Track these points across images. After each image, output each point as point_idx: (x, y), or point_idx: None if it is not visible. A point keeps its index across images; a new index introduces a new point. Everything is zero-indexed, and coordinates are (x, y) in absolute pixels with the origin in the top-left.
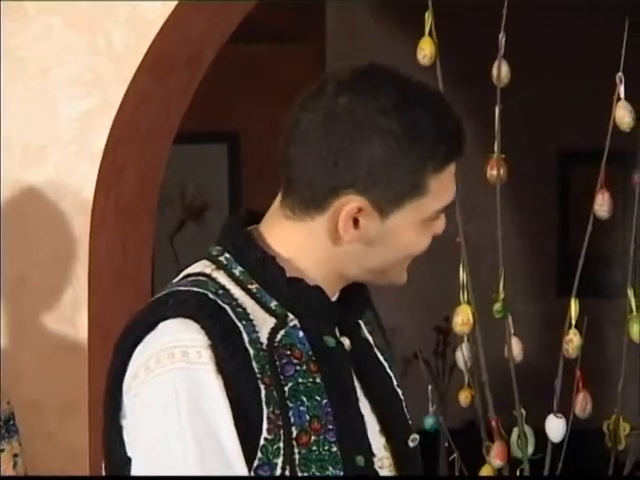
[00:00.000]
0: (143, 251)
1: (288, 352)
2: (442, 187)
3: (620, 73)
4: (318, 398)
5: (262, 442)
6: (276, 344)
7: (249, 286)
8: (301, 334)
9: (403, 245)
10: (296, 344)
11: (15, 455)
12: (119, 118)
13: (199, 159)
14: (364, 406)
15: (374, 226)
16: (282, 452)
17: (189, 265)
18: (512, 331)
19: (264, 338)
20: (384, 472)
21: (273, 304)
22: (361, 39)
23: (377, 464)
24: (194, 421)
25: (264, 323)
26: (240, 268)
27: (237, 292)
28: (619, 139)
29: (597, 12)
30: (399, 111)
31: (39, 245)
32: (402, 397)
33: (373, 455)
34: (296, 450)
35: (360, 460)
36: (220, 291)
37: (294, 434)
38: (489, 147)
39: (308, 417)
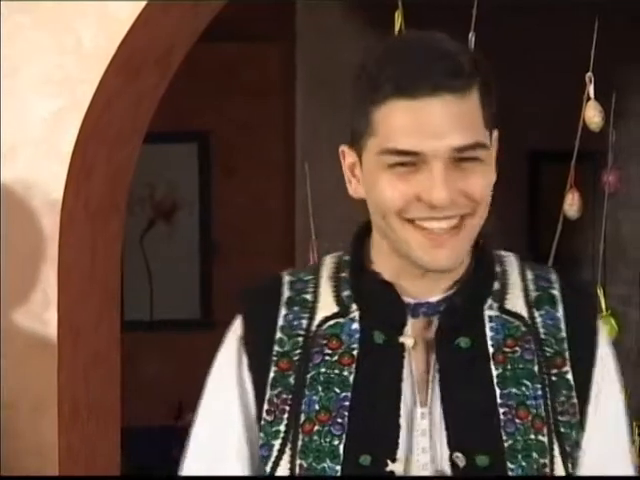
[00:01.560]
0: (112, 251)
1: (324, 341)
2: (391, 126)
3: (590, 73)
4: (337, 390)
5: (262, 422)
6: (317, 332)
7: (341, 274)
8: (354, 326)
9: (377, 197)
10: (340, 335)
11: None
12: (88, 118)
13: (169, 158)
14: (432, 409)
15: (362, 178)
16: (281, 435)
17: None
18: None
19: (309, 325)
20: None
21: (345, 294)
22: (331, 38)
23: (410, 467)
24: (215, 381)
25: (323, 311)
26: (346, 257)
27: (324, 279)
28: (589, 139)
29: (566, 11)
30: (368, 61)
31: (9, 244)
32: (504, 416)
33: (391, 459)
34: (300, 437)
35: (365, 460)
36: (305, 277)
37: (301, 421)
38: None
39: (317, 407)
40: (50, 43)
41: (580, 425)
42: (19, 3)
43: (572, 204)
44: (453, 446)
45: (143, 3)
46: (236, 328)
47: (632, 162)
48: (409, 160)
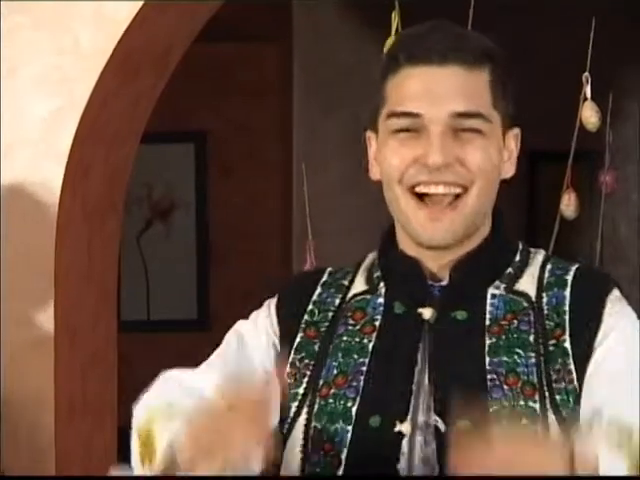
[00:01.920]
0: (109, 250)
1: (349, 314)
2: (400, 91)
3: (587, 73)
4: (355, 356)
5: None
6: (345, 306)
7: (375, 261)
8: (380, 300)
9: (384, 166)
10: (366, 308)
11: None
12: (86, 118)
13: (166, 159)
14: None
15: (377, 155)
16: (299, 398)
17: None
18: None
19: (341, 303)
20: (419, 443)
21: (376, 274)
22: (328, 38)
23: (415, 432)
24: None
25: (354, 290)
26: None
27: (362, 268)
28: (586, 139)
29: (563, 11)
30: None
31: (6, 244)
32: (491, 383)
33: (401, 420)
34: (317, 400)
35: (375, 421)
36: (347, 269)
37: (319, 385)
38: None
39: (335, 372)
40: (48, 43)
41: (578, 392)
42: (17, 3)
43: (569, 204)
44: (437, 411)
45: (140, 3)
46: (270, 301)
47: (629, 162)
48: (411, 125)
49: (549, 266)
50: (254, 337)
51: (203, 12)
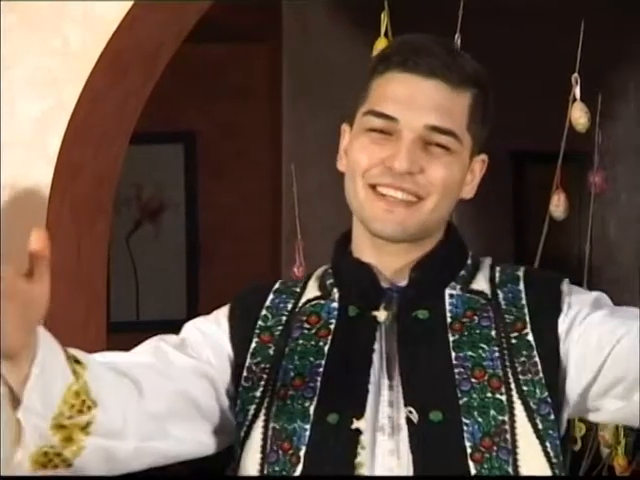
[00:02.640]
0: (98, 251)
1: (304, 318)
2: (382, 92)
3: (576, 74)
4: (312, 359)
5: (240, 388)
6: (299, 311)
7: (328, 270)
8: (334, 305)
9: (351, 157)
10: (320, 313)
11: None
12: (75, 118)
13: (155, 159)
14: (396, 379)
15: (348, 146)
16: (256, 401)
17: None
18: None
19: (293, 308)
20: (382, 439)
21: (329, 282)
22: (318, 39)
23: (372, 428)
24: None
25: (306, 296)
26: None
27: (314, 276)
28: (575, 140)
29: (552, 12)
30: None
31: None
32: (459, 376)
33: (357, 417)
34: (275, 402)
35: (333, 418)
36: (297, 281)
37: (277, 388)
38: None
39: (292, 374)
40: (36, 44)
41: (545, 384)
42: (5, 3)
43: (558, 205)
44: (408, 403)
45: (129, 3)
46: (224, 309)
47: (618, 163)
48: (386, 127)
49: (498, 268)
50: (203, 333)
51: (192, 12)
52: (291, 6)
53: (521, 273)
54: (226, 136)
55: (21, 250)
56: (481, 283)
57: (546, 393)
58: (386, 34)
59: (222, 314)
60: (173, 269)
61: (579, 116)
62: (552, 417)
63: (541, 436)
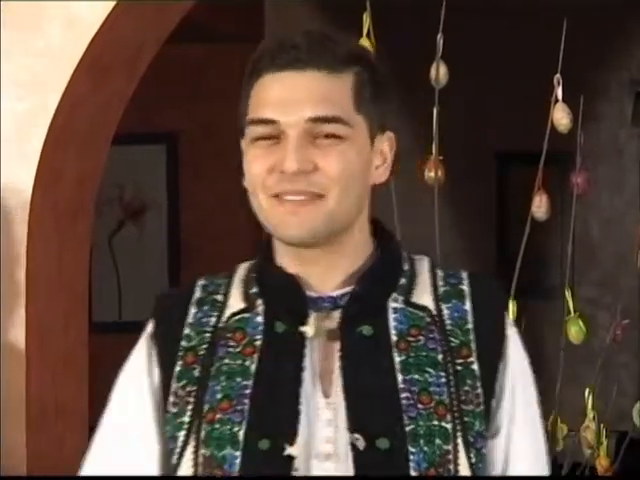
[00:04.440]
0: (80, 252)
1: (229, 335)
2: (258, 98)
3: (558, 75)
4: (239, 379)
5: (168, 414)
6: (223, 327)
7: (251, 275)
8: (259, 319)
9: (247, 174)
10: (246, 328)
11: None
12: (56, 119)
13: (137, 160)
14: (337, 399)
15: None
16: (185, 427)
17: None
18: None
19: (217, 322)
20: (320, 465)
21: (253, 291)
22: None
23: (310, 454)
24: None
25: (231, 308)
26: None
27: (236, 281)
28: (557, 141)
29: (535, 13)
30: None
31: None
32: (406, 401)
33: (290, 443)
34: (203, 427)
35: (264, 444)
36: (218, 280)
37: (204, 411)
38: (427, 148)
39: (219, 396)
40: (18, 45)
41: (484, 416)
42: None
43: (540, 206)
44: (353, 429)
45: (110, 5)
46: (148, 327)
47: (600, 164)
48: (270, 132)
49: (439, 273)
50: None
51: (174, 13)
52: (273, 6)
53: (466, 287)
54: (208, 136)
55: (3, 252)
56: (423, 296)
57: (484, 426)
58: (368, 34)
59: (146, 347)
60: (155, 269)
61: (561, 117)
62: (483, 451)
63: (474, 470)
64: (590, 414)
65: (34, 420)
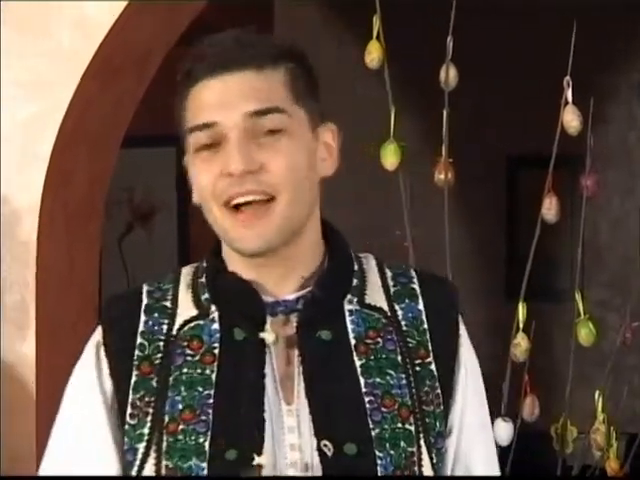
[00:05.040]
0: (90, 254)
1: (185, 343)
2: (194, 106)
3: (568, 77)
4: (200, 389)
5: (126, 426)
6: (178, 335)
7: (199, 280)
8: (214, 326)
9: (196, 186)
10: (202, 336)
11: None
12: (67, 121)
13: (147, 162)
14: (299, 406)
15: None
16: (145, 438)
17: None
18: None
19: (169, 330)
20: (287, 473)
21: (204, 297)
22: (310, 41)
23: (276, 462)
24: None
25: (182, 316)
26: (203, 264)
27: (182, 286)
28: (567, 143)
29: (545, 15)
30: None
31: None
32: (370, 405)
33: (257, 453)
34: (164, 438)
35: (231, 454)
36: (164, 286)
37: (165, 422)
38: (437, 150)
39: (181, 406)
40: (28, 46)
41: (444, 416)
42: None
43: (550, 208)
44: (320, 436)
45: (121, 5)
46: (95, 336)
47: (610, 166)
48: (211, 137)
49: (388, 272)
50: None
51: (184, 14)
52: (283, 6)
53: (417, 287)
54: None
55: (13, 253)
56: (377, 297)
57: (444, 427)
58: (378, 37)
59: (94, 358)
60: (165, 271)
61: (571, 119)
62: (443, 451)
63: (435, 470)
64: (600, 416)
65: (44, 421)
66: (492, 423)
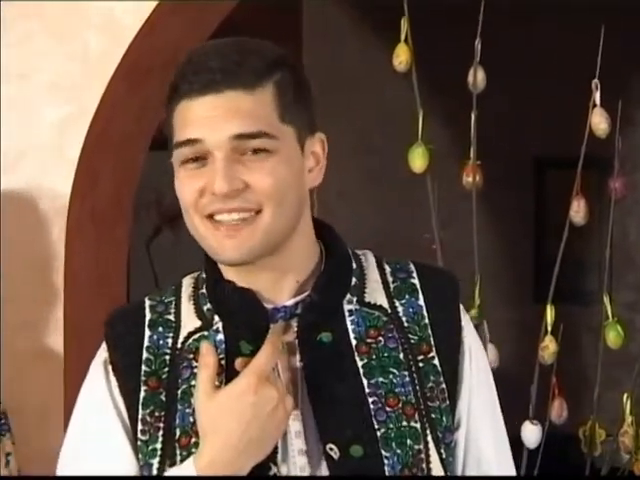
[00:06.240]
0: (118, 257)
1: (191, 356)
2: (181, 121)
3: (596, 80)
4: None
5: (138, 442)
6: (183, 348)
7: (200, 291)
8: (219, 337)
9: (179, 196)
10: None
11: (8, 454)
12: (95, 124)
13: None
14: (304, 410)
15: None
16: (158, 454)
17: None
18: (488, 337)
19: (174, 343)
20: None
21: (206, 307)
22: (338, 43)
23: (288, 469)
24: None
25: (186, 328)
26: (202, 275)
27: (184, 298)
28: (595, 145)
29: (573, 18)
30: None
31: (16, 252)
32: (374, 405)
33: (273, 460)
34: (177, 452)
35: None
36: (166, 299)
37: (177, 436)
38: (465, 153)
39: (192, 419)
40: (57, 49)
41: (450, 411)
42: (26, 10)
43: (578, 211)
44: (326, 439)
45: (150, 8)
46: (101, 353)
47: (638, 169)
48: (196, 153)
49: (387, 268)
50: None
51: (213, 16)
52: (312, 8)
53: (416, 281)
54: None
55: (41, 255)
56: (376, 295)
57: (451, 421)
58: (406, 40)
59: (103, 376)
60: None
61: (599, 122)
62: (452, 445)
63: (445, 465)
64: (628, 419)
65: None
66: (520, 426)
